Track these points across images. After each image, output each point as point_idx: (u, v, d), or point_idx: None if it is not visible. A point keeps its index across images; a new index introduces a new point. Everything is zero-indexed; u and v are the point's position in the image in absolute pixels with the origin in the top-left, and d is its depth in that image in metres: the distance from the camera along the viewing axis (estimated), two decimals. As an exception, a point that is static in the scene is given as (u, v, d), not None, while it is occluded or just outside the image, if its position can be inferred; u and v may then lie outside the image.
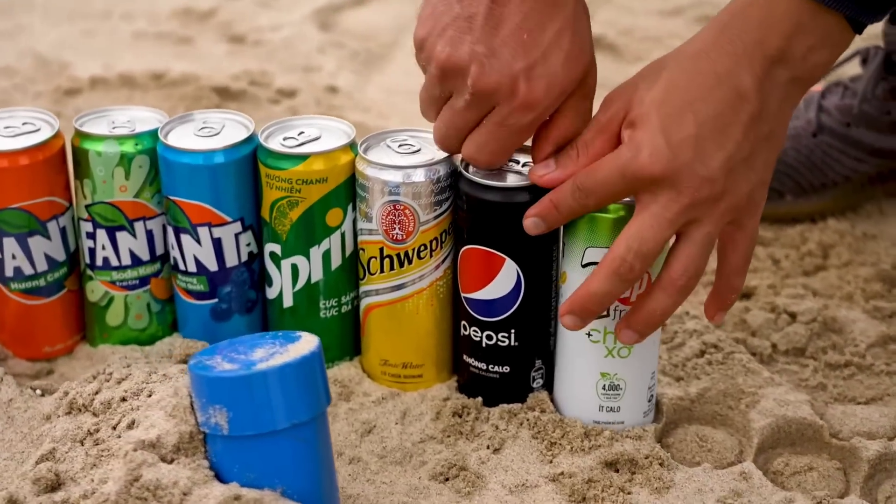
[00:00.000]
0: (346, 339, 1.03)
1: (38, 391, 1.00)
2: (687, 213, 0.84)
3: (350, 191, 0.98)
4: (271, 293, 1.02)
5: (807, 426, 0.97)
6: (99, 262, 1.03)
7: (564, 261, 0.93)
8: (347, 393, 1.00)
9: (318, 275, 1.00)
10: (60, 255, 1.03)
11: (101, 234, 1.02)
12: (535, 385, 0.98)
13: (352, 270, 1.01)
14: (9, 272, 1.02)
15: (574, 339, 0.94)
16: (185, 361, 1.00)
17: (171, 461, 0.83)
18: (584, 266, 0.91)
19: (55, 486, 0.86)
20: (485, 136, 0.88)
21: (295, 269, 1.00)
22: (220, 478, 0.82)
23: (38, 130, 1.01)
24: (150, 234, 1.03)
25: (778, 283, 1.16)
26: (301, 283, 1.00)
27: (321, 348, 0.83)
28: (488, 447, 0.94)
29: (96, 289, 1.05)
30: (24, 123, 1.02)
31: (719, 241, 0.89)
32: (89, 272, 1.04)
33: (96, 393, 0.93)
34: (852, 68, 1.36)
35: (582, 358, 0.94)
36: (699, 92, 0.84)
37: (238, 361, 0.82)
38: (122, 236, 1.02)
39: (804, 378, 1.05)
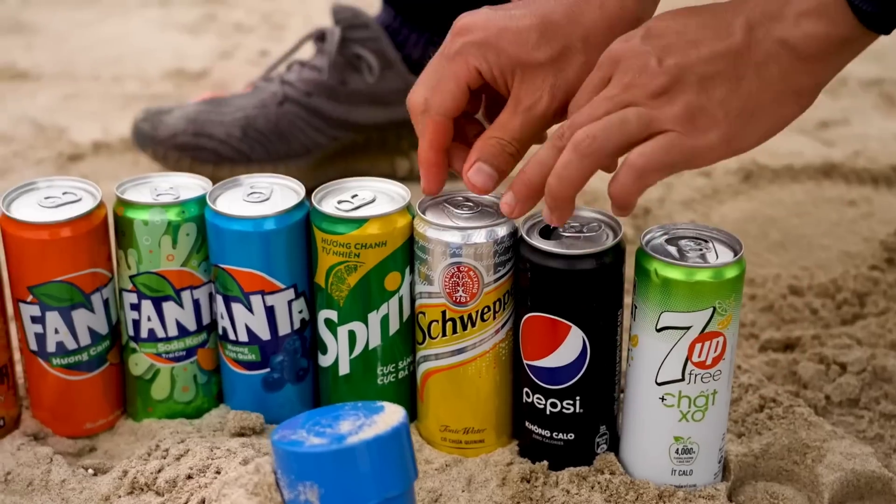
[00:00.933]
0: (403, 405, 1.01)
1: (90, 471, 0.97)
2: (625, 92, 0.85)
3: (408, 254, 0.96)
4: (325, 361, 1.00)
5: (875, 479, 0.96)
6: (144, 335, 1.01)
7: (636, 324, 0.92)
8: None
9: (375, 341, 0.98)
10: (103, 329, 1.00)
11: (147, 306, 0.99)
12: (599, 451, 0.96)
13: (408, 335, 0.99)
14: (51, 347, 0.99)
15: (646, 404, 0.92)
16: (240, 434, 0.98)
17: (258, 543, 0.80)
18: (658, 330, 0.90)
19: (128, 571, 0.83)
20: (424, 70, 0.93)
21: (352, 335, 0.98)
22: (311, 558, 0.80)
23: (79, 200, 0.99)
24: (196, 304, 1.00)
25: (822, 334, 1.15)
26: (358, 349, 0.98)
27: (408, 419, 0.82)
28: (562, 512, 0.93)
29: (140, 361, 1.02)
30: (64, 193, 0.99)
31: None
32: (133, 344, 1.01)
33: (159, 471, 0.91)
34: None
35: (655, 422, 0.93)
36: (697, 15, 0.87)
37: (326, 435, 0.80)
38: (168, 307, 1.00)
39: (861, 429, 1.04)
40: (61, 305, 0.98)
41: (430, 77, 0.93)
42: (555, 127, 0.91)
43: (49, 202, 0.98)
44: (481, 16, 0.93)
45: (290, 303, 0.98)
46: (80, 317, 0.99)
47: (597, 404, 0.95)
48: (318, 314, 0.99)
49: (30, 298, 0.97)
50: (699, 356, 0.90)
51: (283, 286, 0.97)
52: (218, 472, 0.88)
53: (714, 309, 0.89)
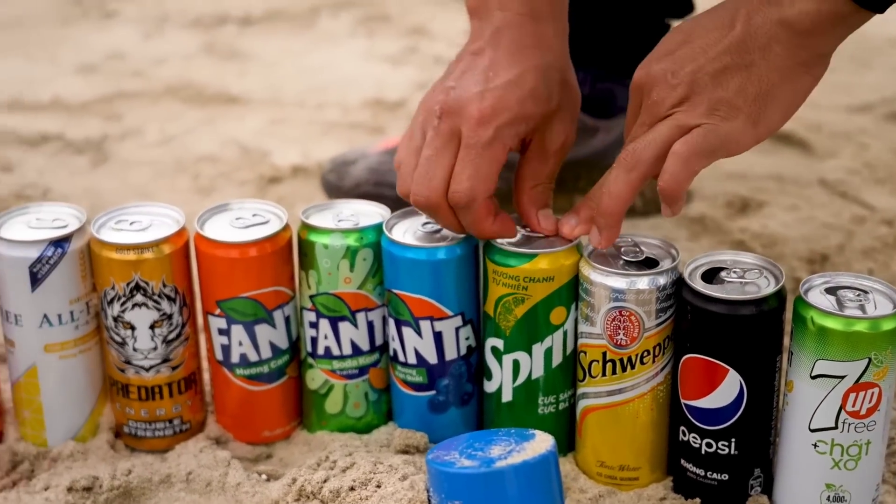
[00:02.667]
0: (561, 435, 1.03)
1: (264, 476, 1.03)
2: (652, 111, 0.93)
3: (574, 291, 0.99)
4: (490, 387, 1.04)
5: None
6: (321, 351, 1.06)
7: (792, 370, 0.93)
8: (564, 489, 1.01)
9: (538, 371, 1.01)
10: (284, 343, 1.07)
11: (324, 324, 1.05)
12: (752, 493, 0.98)
13: (570, 368, 1.02)
14: (235, 358, 1.06)
15: (799, 449, 0.93)
16: (405, 452, 1.03)
17: (408, 555, 0.85)
18: (813, 378, 0.91)
19: (289, 573, 0.89)
20: (458, 163, 0.97)
21: (516, 364, 1.01)
22: (457, 575, 0.84)
23: (267, 223, 1.05)
24: (370, 325, 1.05)
25: None
26: (521, 378, 1.01)
27: (556, 448, 0.85)
28: (710, 551, 0.95)
29: (316, 377, 1.07)
30: (254, 215, 1.06)
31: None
32: (310, 360, 1.07)
33: (325, 481, 0.96)
34: None
35: (807, 468, 0.94)
36: (704, 21, 0.94)
37: (477, 458, 0.84)
38: (344, 326, 1.05)
39: None
40: (246, 320, 1.04)
41: (466, 169, 0.97)
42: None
43: (239, 223, 1.05)
44: (482, 96, 0.97)
45: (457, 329, 1.03)
46: (263, 331, 1.05)
47: (752, 447, 0.96)
48: (486, 342, 1.02)
49: (217, 312, 1.04)
50: (853, 406, 0.91)
51: (451, 313, 1.02)
52: (378, 486, 0.93)
53: (870, 360, 0.89)
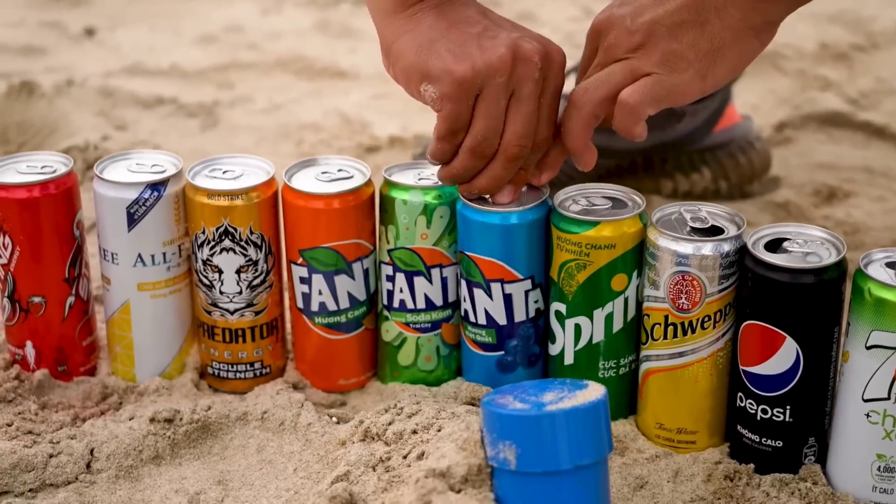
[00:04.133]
0: (622, 399, 1.05)
1: (334, 419, 1.07)
2: (607, 53, 0.98)
3: (636, 258, 1.01)
4: (554, 350, 1.06)
5: None
6: (396, 304, 1.09)
7: (848, 341, 0.94)
8: (622, 448, 1.03)
9: (599, 336, 1.03)
10: (362, 295, 1.10)
11: (400, 278, 1.08)
12: (806, 461, 0.98)
13: (631, 334, 1.03)
14: (314, 307, 1.09)
15: (852, 419, 0.94)
16: (470, 403, 1.05)
17: (459, 491, 0.87)
18: (868, 348, 0.92)
19: (348, 504, 0.92)
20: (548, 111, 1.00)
21: (578, 328, 1.03)
22: (504, 512, 0.86)
23: (351, 178, 1.09)
24: (444, 281, 1.08)
25: None
26: (583, 342, 1.03)
27: (607, 397, 0.87)
28: (758, 514, 0.96)
29: (391, 329, 1.10)
30: (339, 170, 1.09)
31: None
32: (385, 313, 1.10)
33: (389, 424, 0.99)
34: None
35: (859, 438, 0.94)
36: None
37: (529, 402, 0.86)
38: (419, 281, 1.08)
39: None
40: (326, 270, 1.07)
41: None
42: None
43: (325, 177, 1.08)
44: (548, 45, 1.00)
45: (526, 292, 1.05)
46: (342, 282, 1.08)
47: (806, 415, 0.97)
48: (550, 305, 1.05)
49: (300, 261, 1.08)
50: (906, 378, 0.92)
51: (521, 276, 1.04)
52: (439, 430, 0.96)
53: (925, 333, 0.90)
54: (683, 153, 1.46)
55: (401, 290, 1.08)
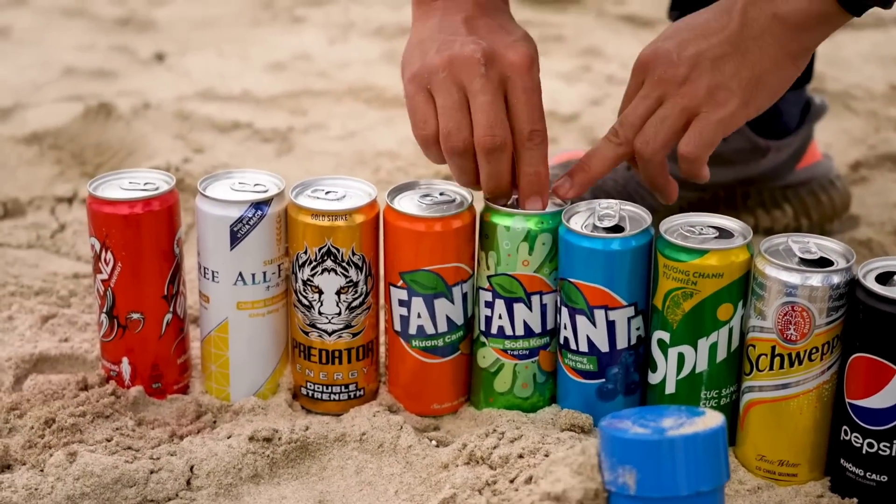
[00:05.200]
0: None
1: (434, 442, 1.07)
2: (657, 87, 1.04)
3: (742, 288, 1.01)
4: (654, 378, 1.06)
5: None
6: (494, 330, 1.09)
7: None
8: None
9: (702, 366, 1.03)
10: (460, 319, 1.10)
11: (500, 304, 1.08)
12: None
13: (734, 364, 1.03)
14: (412, 330, 1.09)
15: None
16: (570, 429, 1.05)
17: (575, 516, 0.87)
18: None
19: (457, 527, 0.92)
20: (522, 104, 1.04)
21: (681, 357, 1.03)
22: (622, 537, 0.86)
23: (453, 201, 1.09)
24: (543, 308, 1.08)
25: None
26: (685, 371, 1.03)
27: (726, 425, 0.87)
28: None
29: (488, 355, 1.10)
30: (440, 194, 1.10)
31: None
32: (483, 339, 1.10)
33: (494, 448, 0.99)
34: None
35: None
36: (704, 13, 1.05)
37: (649, 427, 0.86)
38: (518, 308, 1.08)
39: None
40: (426, 293, 1.08)
41: (535, 109, 1.04)
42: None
43: (427, 200, 1.08)
44: (514, 46, 1.05)
45: (629, 319, 1.05)
46: (441, 305, 1.08)
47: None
48: (653, 334, 1.04)
49: (400, 283, 1.08)
50: None
51: (625, 303, 1.04)
52: (547, 455, 0.95)
53: None
54: (765, 189, 1.46)
55: (500, 317, 1.08)
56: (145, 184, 1.10)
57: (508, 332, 1.08)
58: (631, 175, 1.38)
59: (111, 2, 2.36)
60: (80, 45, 2.14)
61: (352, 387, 1.12)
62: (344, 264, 1.07)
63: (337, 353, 1.10)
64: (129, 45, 2.14)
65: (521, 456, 0.96)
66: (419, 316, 1.08)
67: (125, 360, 1.12)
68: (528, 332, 1.08)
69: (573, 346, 1.06)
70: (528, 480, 0.93)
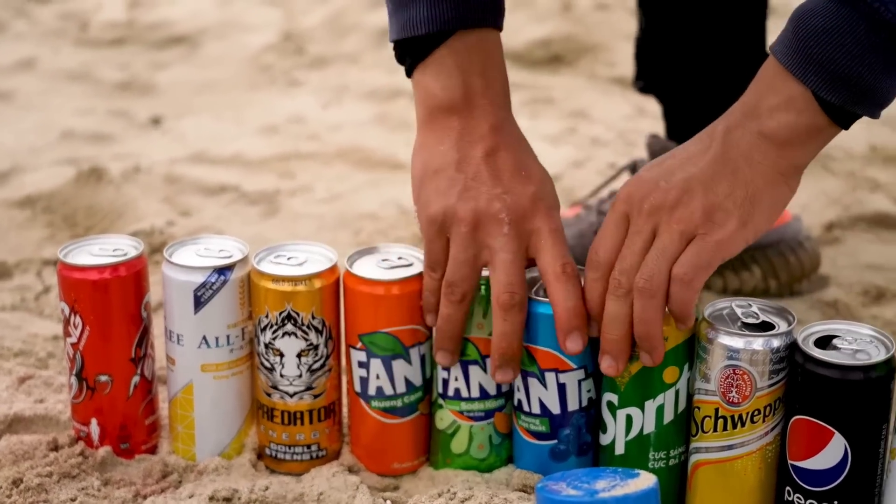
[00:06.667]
0: (671, 489, 1.06)
1: (388, 502, 1.08)
2: (648, 220, 0.98)
3: (687, 351, 1.02)
4: (605, 439, 1.07)
5: None
6: (451, 392, 1.10)
7: (896, 437, 0.96)
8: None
9: (650, 427, 1.04)
10: (418, 380, 1.11)
11: (456, 367, 1.09)
12: (854, 555, 1.00)
13: (682, 426, 1.04)
14: (371, 391, 1.11)
15: (899, 514, 0.96)
16: (522, 490, 1.07)
17: (512, 576, 0.89)
18: (916, 445, 0.94)
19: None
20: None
21: (629, 419, 1.04)
22: None
23: (410, 265, 1.11)
24: (499, 371, 1.09)
25: None
26: (634, 433, 1.04)
27: (658, 486, 0.88)
28: None
29: (445, 417, 1.11)
30: (398, 258, 1.12)
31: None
32: (440, 401, 1.11)
33: (442, 508, 1.01)
34: None
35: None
36: (686, 144, 1.01)
37: (582, 489, 0.88)
38: (473, 370, 1.09)
39: None
40: (384, 354, 1.10)
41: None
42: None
43: (385, 264, 1.11)
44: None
45: (580, 382, 1.06)
46: (399, 367, 1.10)
47: (853, 513, 0.98)
48: (602, 396, 1.06)
49: (359, 345, 1.10)
50: (954, 478, 0.93)
51: (575, 366, 1.05)
52: (492, 516, 0.97)
53: (972, 434, 0.91)
54: (771, 250, 1.48)
55: (456, 379, 1.10)
56: (114, 250, 1.13)
57: (464, 394, 1.10)
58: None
59: (114, 66, 2.40)
60: (80, 108, 2.18)
61: (314, 447, 1.14)
62: (304, 328, 1.10)
63: (299, 415, 1.13)
64: (128, 109, 2.18)
65: (468, 516, 0.98)
66: (378, 377, 1.11)
67: (94, 420, 1.14)
68: (484, 394, 1.10)
69: (526, 408, 1.08)
70: (473, 540, 0.94)
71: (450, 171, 1.04)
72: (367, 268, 1.10)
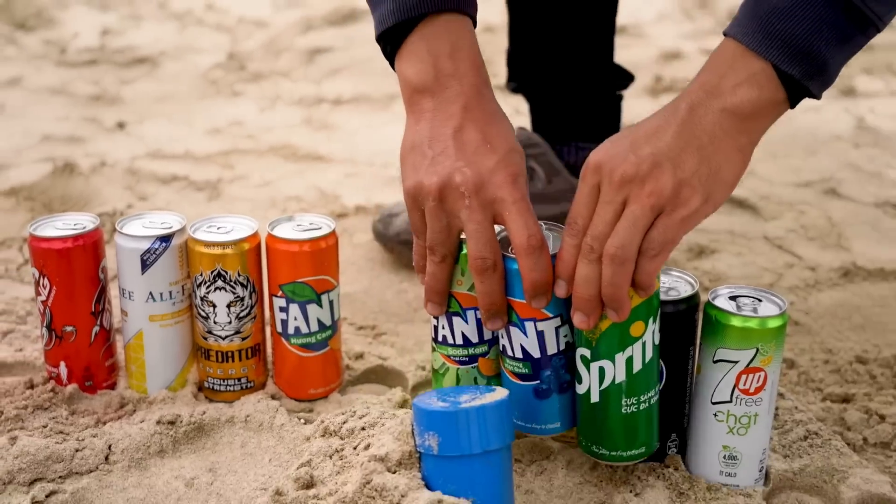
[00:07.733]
0: (643, 432, 0.98)
1: (303, 420, 1.09)
2: (619, 190, 0.87)
3: (651, 306, 0.93)
4: (580, 389, 0.97)
5: (886, 500, 0.97)
6: (440, 339, 1.02)
7: (700, 357, 0.97)
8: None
9: (621, 377, 0.94)
10: (328, 321, 1.12)
11: (443, 317, 1.01)
12: (669, 452, 1.01)
13: (650, 374, 0.95)
14: (290, 330, 1.11)
15: (703, 418, 0.97)
16: (405, 406, 1.08)
17: (394, 472, 0.90)
18: (714, 362, 0.95)
19: (309, 485, 0.94)
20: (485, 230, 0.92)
21: (602, 371, 0.95)
22: (429, 487, 0.88)
23: (319, 229, 1.11)
24: (479, 322, 1.00)
25: (873, 392, 1.16)
26: (606, 383, 0.95)
27: (510, 398, 0.90)
28: (631, 492, 0.98)
29: (437, 359, 1.03)
30: (310, 223, 1.12)
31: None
32: (433, 345, 1.03)
33: (344, 423, 1.01)
34: None
35: (709, 433, 0.97)
36: (649, 119, 0.91)
37: (449, 401, 0.89)
38: (456, 320, 1.00)
39: (888, 466, 1.05)
40: (301, 300, 1.10)
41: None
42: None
43: (299, 228, 1.11)
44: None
45: (556, 329, 0.97)
46: (313, 310, 1.10)
47: (669, 416, 0.99)
48: (577, 351, 0.96)
49: (280, 293, 1.10)
50: (744, 385, 0.94)
51: (551, 315, 0.96)
52: (383, 426, 0.98)
53: (757, 349, 0.93)
54: None
55: (443, 328, 1.01)
56: (75, 224, 1.12)
57: (450, 340, 1.01)
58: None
59: (88, 82, 2.37)
60: (58, 116, 2.14)
61: (243, 380, 1.14)
62: (232, 283, 1.10)
63: (230, 354, 1.13)
64: (98, 117, 2.15)
65: (363, 428, 0.99)
66: (296, 319, 1.11)
67: (62, 363, 1.13)
68: (467, 342, 1.01)
69: (510, 354, 0.98)
70: (367, 447, 0.95)
71: (423, 148, 0.95)
72: (285, 230, 1.11)
